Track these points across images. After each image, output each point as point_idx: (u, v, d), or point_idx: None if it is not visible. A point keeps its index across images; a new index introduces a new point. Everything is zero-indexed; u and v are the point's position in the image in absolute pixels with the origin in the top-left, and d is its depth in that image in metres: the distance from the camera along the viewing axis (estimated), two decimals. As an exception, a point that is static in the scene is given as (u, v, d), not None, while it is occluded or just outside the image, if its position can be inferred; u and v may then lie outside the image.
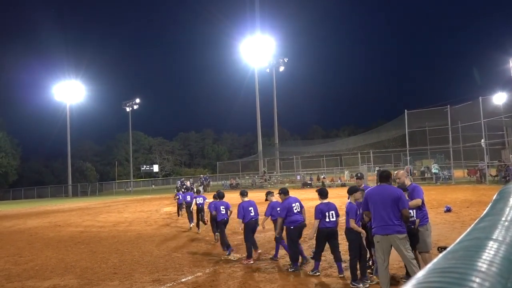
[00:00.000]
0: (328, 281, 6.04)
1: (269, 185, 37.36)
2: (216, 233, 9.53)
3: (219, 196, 8.92)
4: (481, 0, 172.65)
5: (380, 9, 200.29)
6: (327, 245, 6.32)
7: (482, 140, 23.76)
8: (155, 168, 79.52)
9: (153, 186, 60.64)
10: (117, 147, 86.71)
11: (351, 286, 5.62)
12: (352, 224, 5.83)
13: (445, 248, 5.48)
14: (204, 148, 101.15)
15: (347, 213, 5.93)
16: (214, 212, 8.90)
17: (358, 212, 5.92)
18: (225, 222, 8.66)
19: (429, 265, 0.78)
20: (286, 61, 47.20)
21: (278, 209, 7.21)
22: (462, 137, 26.30)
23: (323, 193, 6.45)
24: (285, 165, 43.49)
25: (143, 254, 8.89)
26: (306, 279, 6.17)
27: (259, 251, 7.86)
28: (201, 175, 41.39)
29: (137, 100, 59.40)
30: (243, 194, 8.16)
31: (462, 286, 0.65)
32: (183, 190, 19.38)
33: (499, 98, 27.07)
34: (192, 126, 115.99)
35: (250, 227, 7.72)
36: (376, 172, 30.35)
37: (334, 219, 6.23)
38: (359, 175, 7.73)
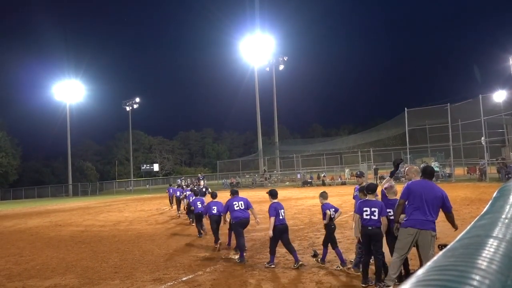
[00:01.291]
0: (328, 279, 6.05)
1: (270, 184, 37.39)
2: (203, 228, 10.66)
3: (213, 196, 9.67)
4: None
5: (380, 7, 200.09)
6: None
7: (482, 138, 23.78)
8: (155, 167, 79.60)
9: (147, 186, 60.23)
10: (117, 146, 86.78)
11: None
12: (385, 221, 5.61)
13: (445, 245, 5.45)
14: (204, 147, 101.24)
15: (381, 211, 5.61)
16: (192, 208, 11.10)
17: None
18: (217, 220, 9.13)
19: (429, 263, 0.78)
20: (286, 59, 47.20)
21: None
22: (462, 135, 26.32)
23: (274, 194, 7.33)
24: (285, 163, 43.54)
25: (144, 253, 8.90)
26: (307, 278, 6.17)
27: (220, 241, 8.86)
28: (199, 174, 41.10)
29: (137, 99, 59.38)
30: (233, 193, 8.73)
31: (462, 283, 0.65)
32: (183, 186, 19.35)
33: (499, 96, 27.06)
34: (192, 125, 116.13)
35: (214, 219, 9.02)
36: (373, 170, 30.41)
37: (283, 216, 7.02)
38: (358, 173, 7.82)
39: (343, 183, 31.32)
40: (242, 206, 8.11)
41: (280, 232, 6.94)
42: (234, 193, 8.54)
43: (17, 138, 65.53)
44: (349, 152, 37.59)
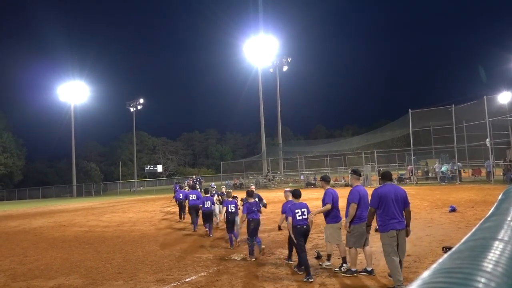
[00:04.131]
0: (331, 281, 6.03)
1: (273, 185, 37.36)
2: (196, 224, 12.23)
3: (205, 191, 12.05)
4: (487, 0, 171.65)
5: (384, 8, 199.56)
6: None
7: (487, 140, 23.63)
8: (159, 168, 79.74)
9: (141, 188, 60.03)
10: (121, 147, 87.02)
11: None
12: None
13: (450, 248, 5.48)
14: (208, 148, 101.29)
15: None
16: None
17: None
18: (209, 214, 11.20)
19: (434, 265, 0.78)
20: (289, 61, 47.16)
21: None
22: (466, 136, 26.16)
23: (251, 194, 8.59)
24: (288, 165, 43.49)
25: (147, 254, 8.92)
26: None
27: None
28: (193, 176, 40.81)
29: (141, 101, 59.60)
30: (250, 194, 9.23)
31: (467, 286, 0.65)
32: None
33: (504, 97, 26.88)
34: (196, 126, 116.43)
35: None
36: (377, 171, 30.35)
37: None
38: (352, 172, 6.95)
39: (347, 185, 31.21)
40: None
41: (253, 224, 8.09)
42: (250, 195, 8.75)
43: (22, 139, 66.00)
44: (353, 153, 37.46)
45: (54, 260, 8.92)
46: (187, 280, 6.56)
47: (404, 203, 5.58)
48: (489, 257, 0.80)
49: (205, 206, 11.07)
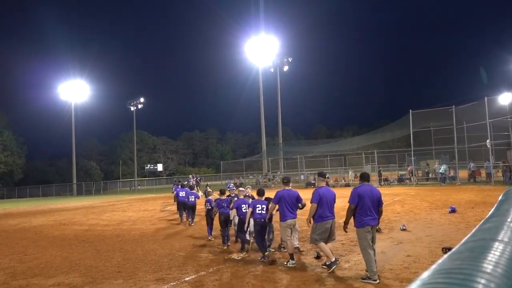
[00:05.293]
0: (331, 280, 6.03)
1: (273, 185, 37.36)
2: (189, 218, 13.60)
3: (190, 187, 14.63)
4: (488, 0, 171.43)
5: (385, 9, 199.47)
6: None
7: (488, 141, 23.62)
8: (159, 167, 79.76)
9: (139, 187, 59.90)
10: (121, 146, 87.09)
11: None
12: None
13: (450, 249, 5.51)
14: (208, 147, 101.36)
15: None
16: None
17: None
18: (192, 207, 13.40)
19: (434, 266, 0.78)
20: (290, 60, 47.11)
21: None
22: (467, 137, 26.13)
23: (223, 192, 10.28)
24: (289, 164, 43.46)
25: (147, 253, 8.92)
26: (311, 278, 6.16)
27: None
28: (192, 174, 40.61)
29: (142, 100, 59.64)
30: (223, 192, 10.54)
31: (467, 287, 0.65)
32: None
33: (505, 98, 26.87)
34: (196, 126, 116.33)
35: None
36: (377, 171, 30.37)
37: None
38: (317, 175, 7.90)
39: (347, 185, 31.22)
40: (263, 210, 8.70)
41: (225, 219, 9.22)
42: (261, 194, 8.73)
43: (22, 137, 66.11)
44: (353, 153, 37.45)
45: (54, 258, 8.93)
46: (187, 279, 6.56)
47: (378, 202, 6.15)
48: (489, 258, 0.80)
49: (190, 200, 13.34)
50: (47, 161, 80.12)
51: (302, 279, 6.16)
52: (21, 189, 57.19)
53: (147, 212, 19.38)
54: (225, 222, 9.27)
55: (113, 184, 62.97)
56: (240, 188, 10.12)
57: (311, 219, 6.71)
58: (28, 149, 66.99)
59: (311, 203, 6.69)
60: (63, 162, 75.02)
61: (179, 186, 16.71)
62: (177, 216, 15.58)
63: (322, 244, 6.56)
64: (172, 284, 6.34)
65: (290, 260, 7.02)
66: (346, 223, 6.36)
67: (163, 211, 19.17)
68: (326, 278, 6.18)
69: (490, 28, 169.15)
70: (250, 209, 8.00)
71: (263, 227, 7.78)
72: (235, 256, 8.03)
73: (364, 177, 6.45)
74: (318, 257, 7.36)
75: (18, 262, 8.76)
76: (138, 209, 21.18)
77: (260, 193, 8.21)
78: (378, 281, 5.71)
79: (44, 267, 8.09)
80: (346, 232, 6.67)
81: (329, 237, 6.69)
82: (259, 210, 7.77)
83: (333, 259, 6.41)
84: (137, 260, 8.25)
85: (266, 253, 7.48)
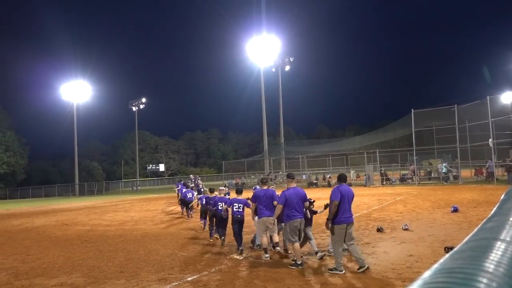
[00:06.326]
0: (333, 280, 6.03)
1: (275, 185, 37.33)
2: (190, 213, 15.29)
3: (186, 186, 16.21)
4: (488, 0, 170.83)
5: (387, 8, 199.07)
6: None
7: (490, 140, 23.55)
8: (161, 167, 79.83)
9: (139, 187, 59.92)
10: (123, 146, 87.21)
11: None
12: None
13: (452, 248, 5.49)
14: (210, 147, 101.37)
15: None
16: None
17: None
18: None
19: (436, 265, 0.78)
20: (292, 60, 47.05)
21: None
22: (469, 136, 26.06)
23: (212, 190, 11.08)
24: (290, 164, 43.38)
25: (149, 253, 8.94)
26: (312, 278, 6.16)
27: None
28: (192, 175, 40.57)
29: (143, 100, 59.58)
30: (212, 190, 11.24)
31: (469, 286, 0.65)
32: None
33: (507, 97, 26.77)
34: (198, 126, 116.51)
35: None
36: (379, 171, 30.31)
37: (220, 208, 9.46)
38: (286, 176, 8.83)
39: (349, 185, 31.20)
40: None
41: (213, 216, 10.09)
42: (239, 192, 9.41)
43: (25, 137, 66.16)
44: (355, 153, 37.38)
45: (56, 258, 8.95)
46: (189, 279, 6.57)
47: (352, 201, 6.69)
48: (491, 258, 0.79)
49: (188, 197, 15.06)
50: (49, 162, 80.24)
51: (305, 280, 6.16)
52: (23, 189, 57.35)
53: (149, 212, 19.41)
54: (212, 218, 10.16)
55: (115, 184, 63.06)
56: (220, 188, 11.47)
57: (327, 222, 6.79)
58: (30, 150, 67.14)
59: (277, 204, 7.24)
60: (66, 162, 75.12)
61: (184, 186, 16.67)
62: (179, 215, 15.66)
63: (296, 245, 6.93)
64: (174, 284, 6.35)
65: (266, 254, 7.62)
66: (329, 219, 6.58)
67: (164, 212, 19.19)
68: (329, 279, 6.17)
69: (492, 27, 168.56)
70: (226, 206, 8.97)
71: (240, 223, 8.47)
72: (237, 256, 8.03)
73: (342, 178, 6.94)
74: (321, 257, 7.35)
75: (21, 262, 8.79)
76: (140, 209, 21.21)
77: (239, 191, 8.91)
78: (343, 271, 6.24)
79: (46, 267, 8.11)
80: (328, 229, 6.82)
81: (302, 237, 7.25)
82: (236, 208, 8.51)
83: (300, 262, 6.82)
84: (140, 260, 8.26)
85: (241, 248, 8.15)
